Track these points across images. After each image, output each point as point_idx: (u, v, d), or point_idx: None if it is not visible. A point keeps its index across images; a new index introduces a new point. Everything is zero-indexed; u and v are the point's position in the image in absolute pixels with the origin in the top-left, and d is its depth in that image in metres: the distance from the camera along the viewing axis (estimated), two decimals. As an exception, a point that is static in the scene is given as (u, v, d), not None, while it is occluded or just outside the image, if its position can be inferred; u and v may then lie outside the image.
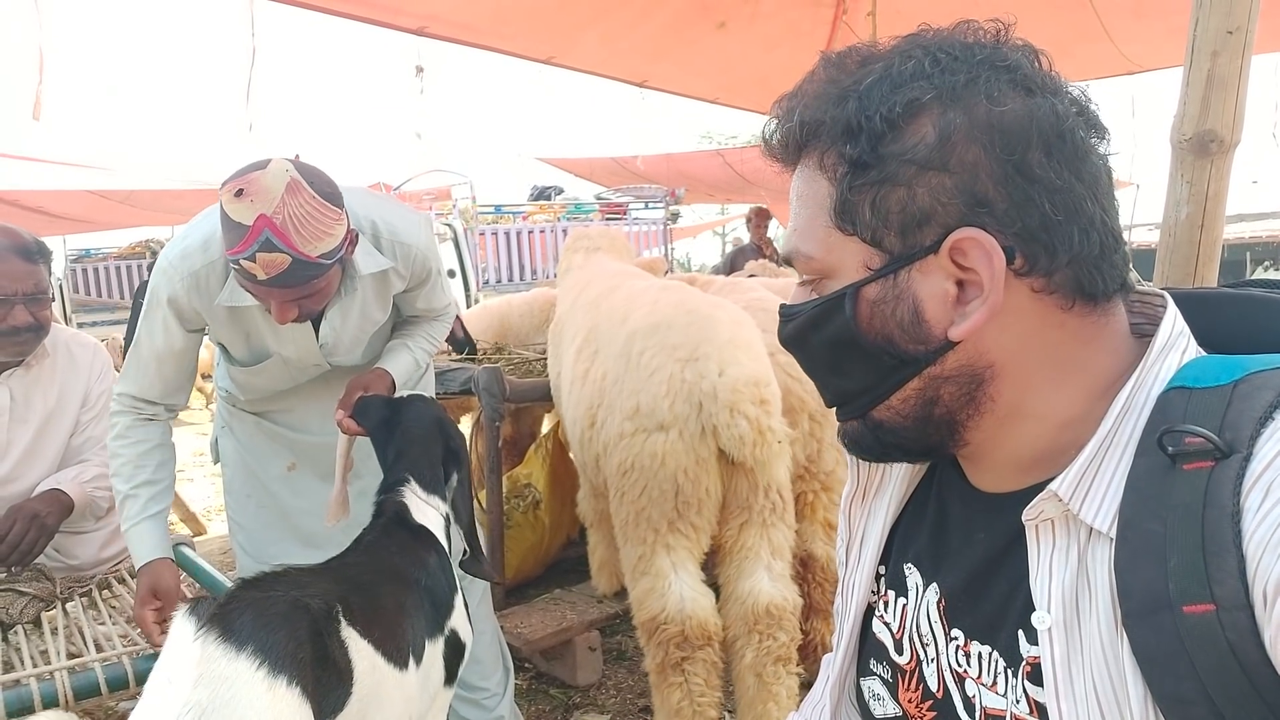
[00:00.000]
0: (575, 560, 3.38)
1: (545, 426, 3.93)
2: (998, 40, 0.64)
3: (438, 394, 2.31)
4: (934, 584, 0.73)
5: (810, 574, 2.40)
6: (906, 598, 0.76)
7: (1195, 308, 0.66)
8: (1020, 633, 0.63)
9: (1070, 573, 0.60)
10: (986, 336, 0.62)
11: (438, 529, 1.50)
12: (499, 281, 8.37)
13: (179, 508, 4.63)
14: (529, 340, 3.82)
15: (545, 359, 3.07)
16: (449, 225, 7.89)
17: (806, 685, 2.18)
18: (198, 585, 1.93)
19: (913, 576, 0.76)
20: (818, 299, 0.68)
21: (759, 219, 7.27)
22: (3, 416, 1.93)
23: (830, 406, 0.74)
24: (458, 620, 1.45)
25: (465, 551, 1.60)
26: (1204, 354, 0.62)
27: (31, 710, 1.40)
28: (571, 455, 2.76)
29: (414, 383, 1.97)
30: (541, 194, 9.65)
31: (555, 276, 3.59)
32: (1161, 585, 0.53)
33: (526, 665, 2.93)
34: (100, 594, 1.91)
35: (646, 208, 9.63)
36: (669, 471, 2.00)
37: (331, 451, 1.80)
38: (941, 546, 0.74)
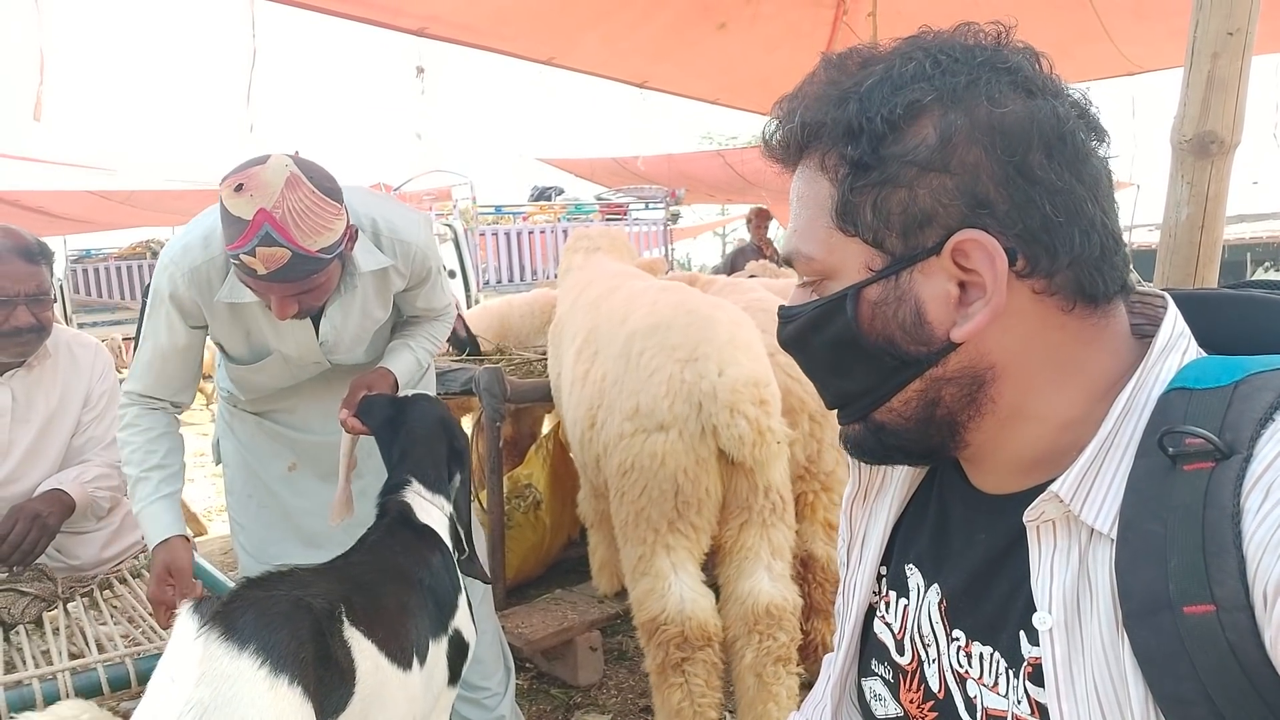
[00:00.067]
0: (576, 560, 3.38)
1: (546, 427, 3.93)
2: (999, 42, 0.64)
3: (439, 394, 2.31)
4: (935, 585, 0.73)
5: (810, 574, 2.40)
6: (908, 598, 0.76)
7: (1196, 308, 0.66)
8: (1021, 633, 0.63)
9: (1071, 574, 0.60)
10: (988, 338, 0.62)
11: (442, 529, 1.50)
12: (499, 282, 8.37)
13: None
14: (530, 341, 3.83)
15: (546, 359, 3.07)
16: (449, 226, 7.89)
17: (807, 685, 2.19)
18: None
19: (914, 577, 0.76)
20: (818, 300, 0.67)
21: (759, 219, 7.27)
22: (4, 417, 1.93)
23: (831, 409, 0.74)
24: (461, 620, 1.46)
25: (462, 551, 1.60)
26: (1204, 355, 0.62)
27: (34, 710, 1.40)
28: (572, 456, 2.76)
29: (416, 382, 1.98)
30: (542, 194, 9.65)
31: (555, 277, 3.59)
32: (1162, 586, 0.53)
33: (528, 665, 2.93)
34: (102, 594, 1.92)
35: (647, 208, 9.63)
36: (669, 472, 2.00)
37: (333, 451, 1.81)
38: (943, 547, 0.74)
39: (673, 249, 10.42)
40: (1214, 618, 0.51)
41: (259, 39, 3.05)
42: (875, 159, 0.61)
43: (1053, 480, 0.61)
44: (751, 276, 3.90)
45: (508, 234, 8.62)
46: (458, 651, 1.44)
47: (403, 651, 1.25)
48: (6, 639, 1.66)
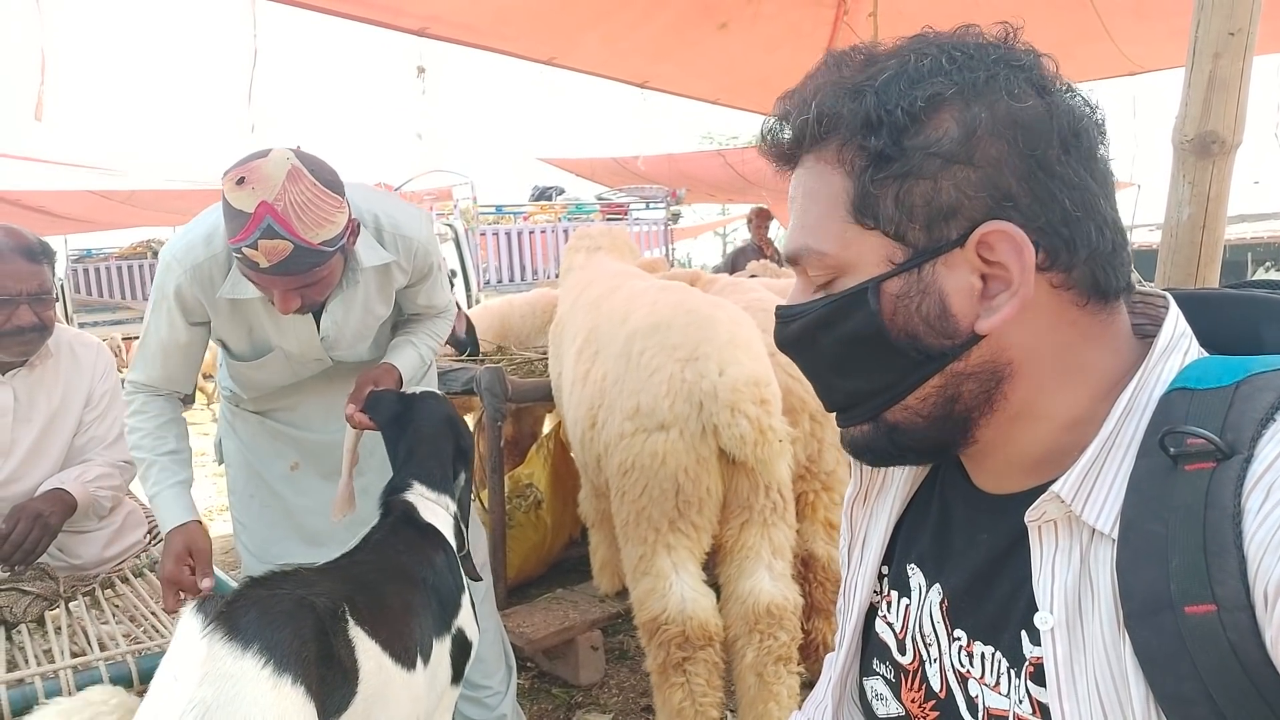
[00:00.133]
0: (577, 560, 3.38)
1: (547, 426, 3.94)
2: (1006, 42, 0.64)
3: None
4: (936, 584, 0.73)
5: (811, 573, 2.40)
6: (909, 598, 0.76)
7: (1197, 308, 0.66)
8: (1023, 633, 0.63)
9: (1073, 573, 0.60)
10: (1007, 332, 0.62)
11: (446, 528, 1.50)
12: (500, 282, 8.36)
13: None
14: (530, 342, 3.83)
15: (546, 359, 3.08)
16: (450, 225, 7.89)
17: (808, 684, 2.19)
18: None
19: (915, 577, 0.76)
20: (832, 295, 0.66)
21: (760, 219, 7.26)
22: (6, 416, 1.93)
23: (835, 411, 0.72)
24: (464, 619, 1.46)
25: (461, 549, 1.60)
26: (1206, 355, 0.63)
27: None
28: (573, 455, 2.76)
29: (418, 380, 1.98)
30: (542, 194, 9.64)
31: (556, 277, 3.59)
32: (1163, 586, 0.53)
33: (529, 664, 2.94)
34: (103, 593, 1.92)
35: (648, 208, 9.63)
36: (669, 471, 2.00)
37: (335, 450, 1.81)
38: (944, 547, 0.74)
39: (673, 249, 10.41)
40: (1215, 618, 0.51)
41: (260, 39, 3.05)
42: (897, 150, 0.61)
43: (1054, 480, 0.61)
44: (752, 276, 3.90)
45: (508, 234, 8.61)
46: (461, 650, 1.44)
47: (406, 651, 1.25)
48: (9, 638, 1.67)
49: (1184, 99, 1.55)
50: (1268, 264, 18.44)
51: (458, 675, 1.44)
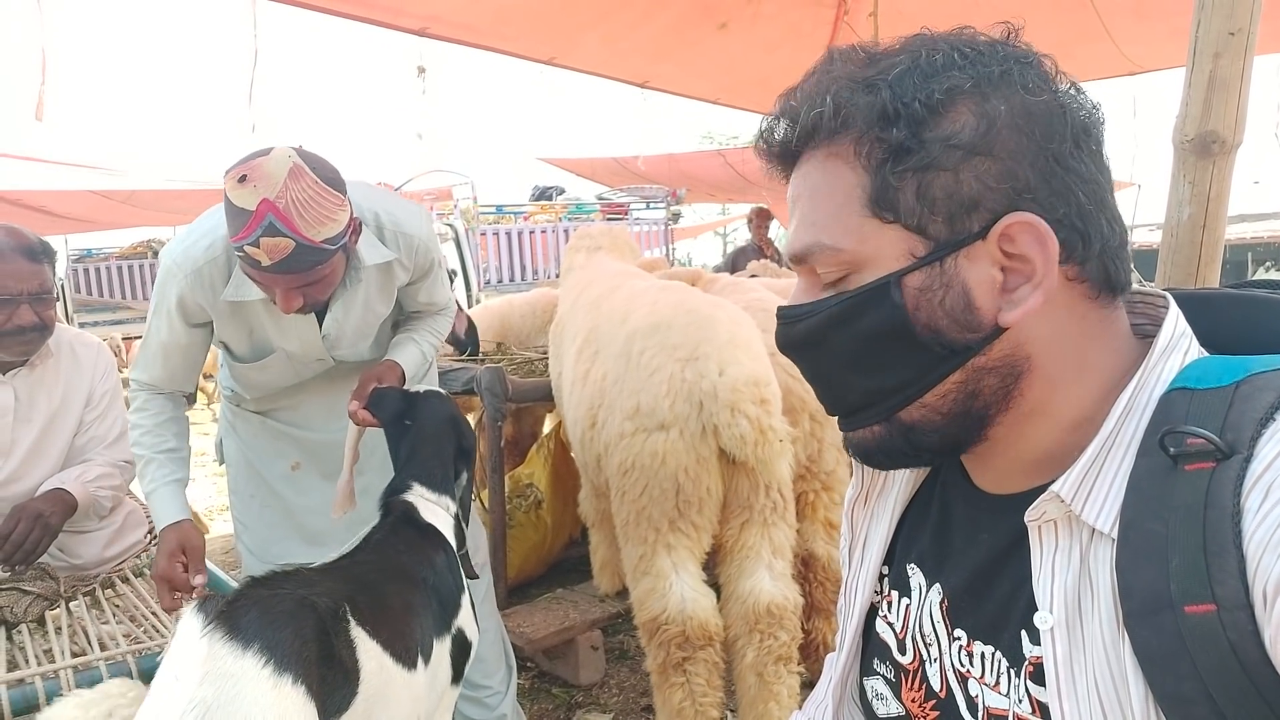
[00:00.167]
0: (577, 560, 3.38)
1: (547, 426, 3.94)
2: (1008, 41, 0.64)
3: (440, 394, 2.31)
4: (937, 584, 0.73)
5: (811, 573, 2.40)
6: (910, 598, 0.76)
7: (1197, 308, 0.66)
8: (1023, 633, 0.63)
9: (1072, 573, 0.60)
10: (1027, 326, 0.62)
11: (446, 528, 1.50)
12: (500, 281, 8.35)
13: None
14: (530, 341, 3.83)
15: (547, 359, 3.08)
16: (450, 225, 7.89)
17: (808, 684, 2.19)
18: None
19: (915, 577, 0.76)
20: (848, 291, 0.64)
21: (760, 219, 7.26)
22: (7, 416, 1.93)
23: (844, 413, 0.70)
24: (464, 619, 1.46)
25: (460, 548, 1.60)
26: (1206, 355, 0.63)
27: (36, 709, 1.41)
28: (573, 455, 2.76)
29: (420, 378, 1.99)
30: (543, 194, 9.64)
31: (557, 277, 3.59)
32: (1163, 585, 0.53)
33: (529, 664, 2.94)
34: (104, 593, 1.92)
35: (648, 208, 9.62)
36: (670, 471, 2.00)
37: (336, 449, 1.81)
38: (944, 547, 0.74)
39: (674, 249, 10.41)
40: (1215, 617, 0.51)
41: (260, 39, 3.05)
42: (916, 143, 0.60)
43: (1055, 480, 0.61)
44: (753, 276, 3.90)
45: (509, 234, 8.61)
46: (461, 650, 1.44)
47: (407, 651, 1.25)
48: (9, 638, 1.67)
49: (1184, 99, 1.55)
50: (1268, 264, 18.43)
51: (458, 675, 1.44)
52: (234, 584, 1.80)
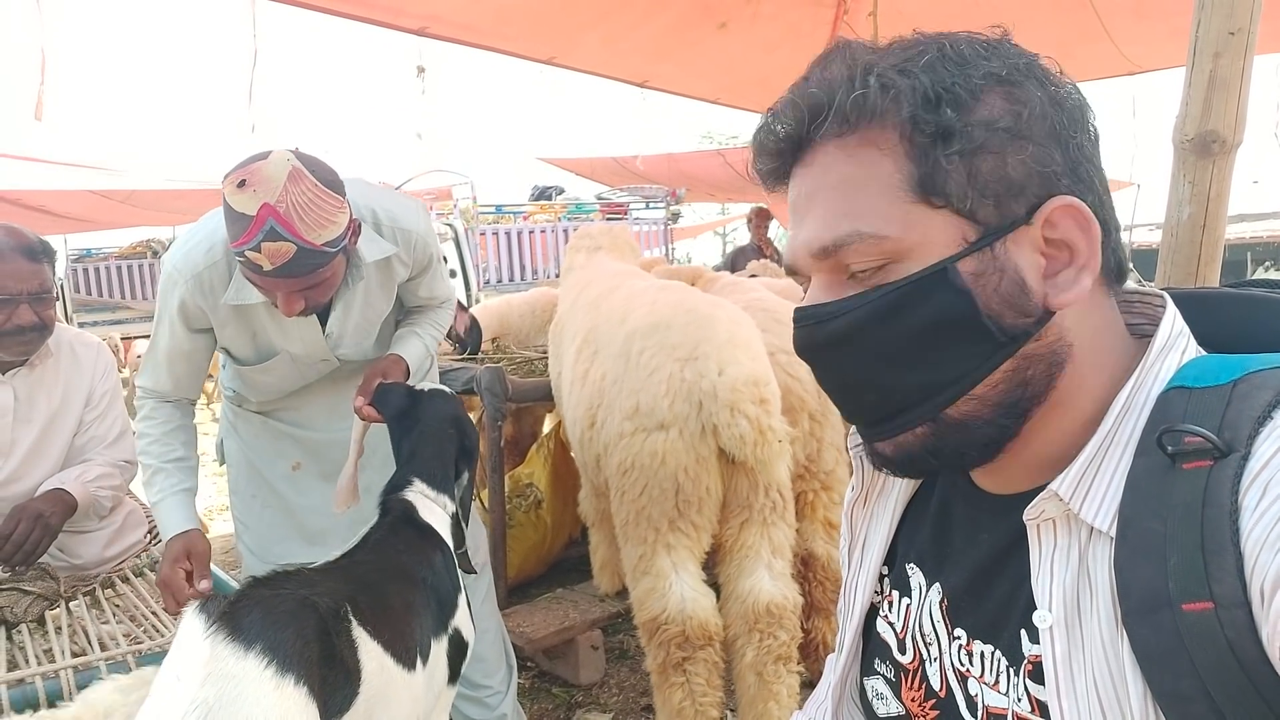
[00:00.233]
0: (577, 559, 3.38)
1: (547, 426, 3.94)
2: (1008, 40, 0.65)
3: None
4: (936, 584, 0.73)
5: (811, 572, 2.40)
6: (910, 597, 0.76)
7: (1196, 307, 0.66)
8: (1022, 632, 0.63)
9: (1071, 572, 0.60)
10: (1069, 313, 0.62)
11: (443, 528, 1.51)
12: (499, 281, 8.36)
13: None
14: (529, 341, 3.83)
15: (547, 358, 3.08)
16: (450, 225, 7.89)
17: (808, 684, 2.20)
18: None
19: (915, 576, 0.76)
20: (899, 280, 0.61)
21: (760, 219, 7.26)
22: (7, 416, 1.93)
23: (883, 417, 0.65)
24: (461, 619, 1.46)
25: (459, 546, 1.60)
26: (1204, 354, 0.63)
27: (36, 708, 1.41)
28: (573, 455, 2.76)
29: (424, 373, 1.99)
30: (542, 194, 9.64)
31: (556, 276, 3.59)
32: (1161, 583, 0.53)
33: (529, 664, 2.94)
34: (104, 593, 1.92)
35: (648, 208, 9.63)
36: (669, 470, 2.00)
37: (337, 448, 1.82)
38: (944, 547, 0.74)
39: (673, 248, 10.41)
40: (1213, 615, 0.51)
41: (260, 39, 3.05)
42: (963, 125, 0.59)
43: (1054, 479, 0.61)
44: (753, 276, 3.90)
45: (508, 233, 8.61)
46: (457, 650, 1.44)
47: (407, 651, 1.25)
48: (9, 637, 1.67)
49: (1184, 98, 1.55)
50: (1267, 263, 18.45)
51: (454, 675, 1.44)
52: (235, 584, 1.81)
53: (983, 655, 0.67)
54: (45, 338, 1.95)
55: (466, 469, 1.64)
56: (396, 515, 1.47)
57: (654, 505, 2.02)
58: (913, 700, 0.75)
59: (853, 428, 0.81)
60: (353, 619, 1.15)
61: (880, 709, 0.79)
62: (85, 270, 9.88)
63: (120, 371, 2.14)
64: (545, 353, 3.16)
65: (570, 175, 11.33)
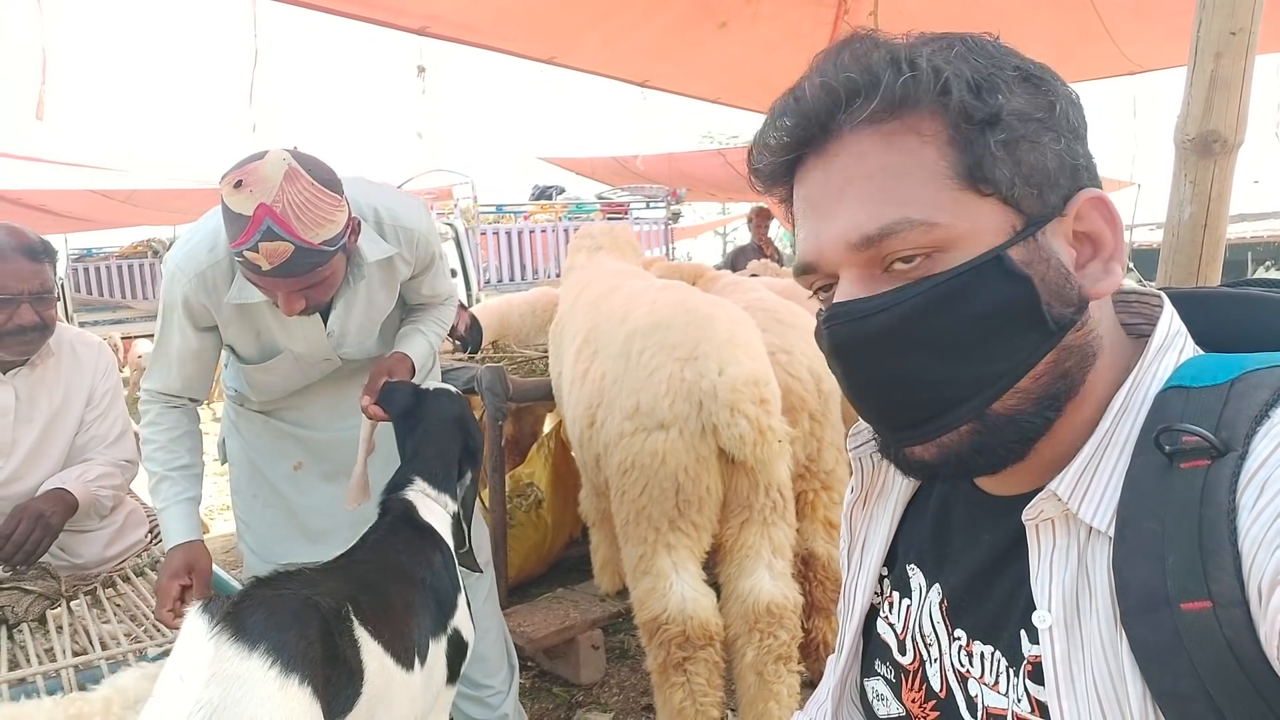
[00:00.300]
0: (578, 559, 3.39)
1: (548, 426, 3.94)
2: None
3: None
4: (936, 585, 0.73)
5: (811, 572, 2.41)
6: (910, 598, 0.77)
7: (1195, 307, 0.66)
8: (1022, 632, 0.63)
9: (1070, 572, 0.60)
10: (1096, 306, 0.62)
11: (443, 528, 1.51)
12: (500, 281, 8.36)
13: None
14: (530, 340, 3.83)
15: (547, 358, 3.08)
16: (450, 224, 7.89)
17: (808, 684, 2.20)
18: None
19: (915, 577, 0.76)
20: (952, 269, 0.59)
21: (760, 219, 7.25)
22: (8, 416, 1.93)
23: (928, 417, 0.62)
24: (460, 619, 1.46)
25: (461, 545, 1.60)
26: (1201, 353, 0.63)
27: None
28: (573, 454, 2.76)
29: (428, 368, 2.00)
30: (543, 193, 9.65)
31: (557, 276, 3.59)
32: (1159, 583, 0.54)
33: (530, 664, 2.94)
34: (105, 592, 1.92)
35: (648, 207, 9.63)
36: (669, 470, 2.00)
37: (340, 448, 1.82)
38: (944, 547, 0.74)
39: (674, 248, 10.41)
40: (1211, 614, 0.51)
41: (261, 38, 3.05)
42: (1006, 114, 0.59)
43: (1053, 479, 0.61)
44: (753, 275, 3.90)
45: (509, 233, 8.61)
46: (457, 650, 1.44)
47: (407, 651, 1.25)
48: (11, 637, 1.67)
49: (1186, 98, 1.55)
50: (1268, 263, 18.44)
51: (453, 675, 1.44)
52: (237, 584, 1.81)
53: (982, 656, 0.67)
54: (46, 337, 1.96)
55: (470, 469, 1.64)
56: (396, 515, 1.47)
57: (654, 505, 2.02)
58: (913, 701, 0.75)
59: (852, 428, 0.81)
60: (354, 619, 1.16)
61: (880, 710, 0.79)
62: (86, 270, 9.88)
63: (120, 371, 2.14)
64: (545, 352, 3.16)
65: (571, 175, 11.33)
